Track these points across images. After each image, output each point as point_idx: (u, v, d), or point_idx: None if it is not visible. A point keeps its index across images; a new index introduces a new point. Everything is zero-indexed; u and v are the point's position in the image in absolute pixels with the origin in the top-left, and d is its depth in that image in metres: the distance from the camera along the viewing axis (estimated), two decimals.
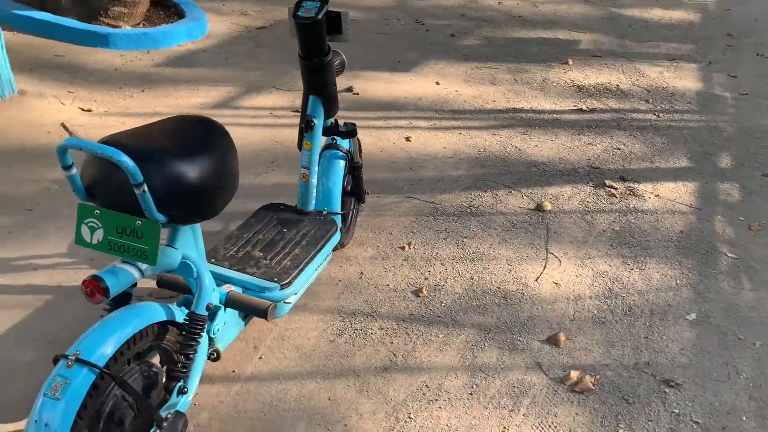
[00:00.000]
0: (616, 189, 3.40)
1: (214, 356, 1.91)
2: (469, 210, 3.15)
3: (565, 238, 2.98)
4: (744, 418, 2.10)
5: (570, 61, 5.18)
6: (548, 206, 3.21)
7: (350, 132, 2.51)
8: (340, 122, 2.52)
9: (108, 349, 1.46)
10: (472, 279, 2.67)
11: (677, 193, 3.42)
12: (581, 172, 3.58)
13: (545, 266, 2.78)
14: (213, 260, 2.13)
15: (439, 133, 3.91)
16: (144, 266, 1.60)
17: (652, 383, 2.21)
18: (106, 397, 1.49)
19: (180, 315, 1.72)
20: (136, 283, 1.66)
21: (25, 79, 3.98)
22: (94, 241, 1.55)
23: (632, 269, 2.79)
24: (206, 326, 1.80)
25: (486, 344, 2.34)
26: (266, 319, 1.92)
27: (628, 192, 3.39)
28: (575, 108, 4.40)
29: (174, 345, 1.72)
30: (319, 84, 2.32)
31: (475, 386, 2.16)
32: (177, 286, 1.95)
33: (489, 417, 2.05)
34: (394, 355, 2.27)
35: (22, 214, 2.83)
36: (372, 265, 2.71)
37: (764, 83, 5.00)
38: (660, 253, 2.91)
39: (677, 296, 2.64)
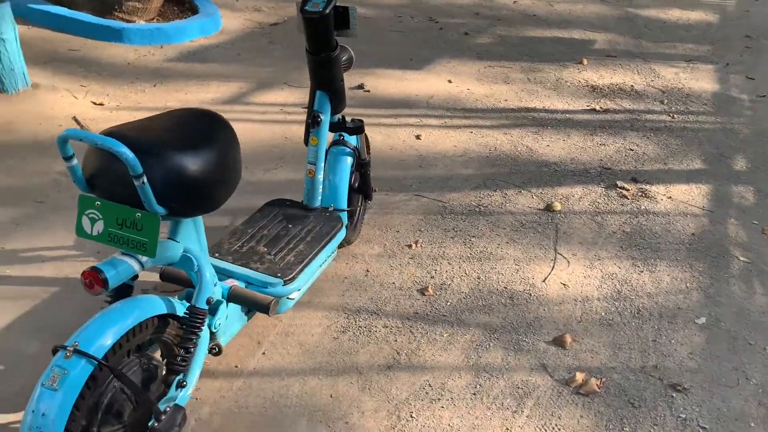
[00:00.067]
0: (627, 190, 3.36)
1: (216, 350, 1.90)
2: (477, 209, 3.13)
3: (575, 239, 2.94)
4: (752, 425, 2.06)
5: (584, 61, 5.13)
6: (558, 206, 3.17)
7: (357, 128, 2.49)
8: (348, 118, 2.51)
9: (107, 341, 1.46)
10: (478, 278, 2.65)
11: (690, 196, 3.37)
12: (593, 172, 3.54)
13: (553, 267, 2.75)
14: (217, 254, 2.13)
15: (449, 132, 3.88)
16: (144, 258, 1.59)
17: (659, 387, 2.18)
18: (105, 389, 1.49)
19: (181, 308, 1.71)
20: (137, 276, 1.66)
21: (39, 72, 4.01)
22: (95, 233, 1.56)
23: (642, 271, 2.75)
24: (208, 320, 1.79)
25: (491, 344, 2.32)
26: (268, 314, 1.91)
27: (639, 193, 3.35)
28: (588, 108, 4.35)
29: (174, 338, 1.72)
30: (326, 79, 2.31)
31: (478, 386, 2.14)
32: (179, 280, 1.95)
33: (492, 417, 2.03)
34: (398, 353, 2.25)
35: (32, 206, 2.85)
36: (378, 263, 2.69)
37: None
38: (671, 255, 2.87)
39: (687, 299, 2.60)
